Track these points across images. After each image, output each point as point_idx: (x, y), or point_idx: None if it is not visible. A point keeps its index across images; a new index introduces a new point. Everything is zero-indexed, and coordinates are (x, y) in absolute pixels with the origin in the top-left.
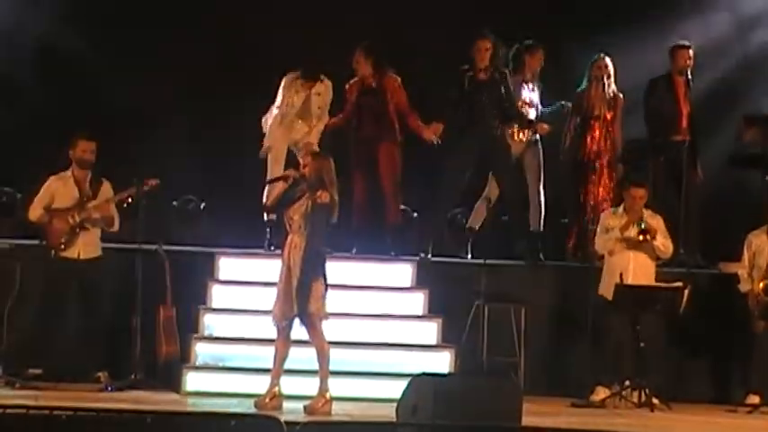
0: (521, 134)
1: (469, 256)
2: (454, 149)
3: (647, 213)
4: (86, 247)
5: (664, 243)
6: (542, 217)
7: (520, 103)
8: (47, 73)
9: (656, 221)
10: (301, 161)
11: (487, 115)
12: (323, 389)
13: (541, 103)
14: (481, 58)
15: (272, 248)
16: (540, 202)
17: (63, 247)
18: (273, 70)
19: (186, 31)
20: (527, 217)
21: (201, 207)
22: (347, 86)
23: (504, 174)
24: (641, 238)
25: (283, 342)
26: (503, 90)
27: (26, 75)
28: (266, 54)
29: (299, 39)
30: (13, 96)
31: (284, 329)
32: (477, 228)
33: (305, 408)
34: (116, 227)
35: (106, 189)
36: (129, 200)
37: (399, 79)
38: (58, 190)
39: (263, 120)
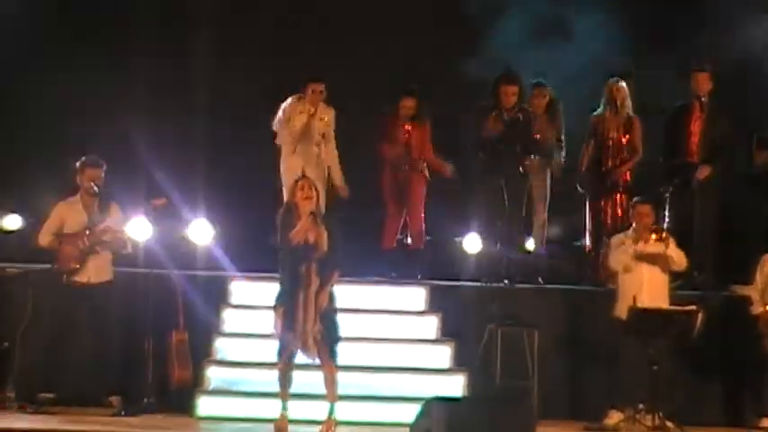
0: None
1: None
2: (481, 188)
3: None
4: (97, 271)
5: (677, 252)
6: (544, 238)
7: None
8: (56, 95)
9: (667, 244)
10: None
11: (511, 152)
12: (332, 413)
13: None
14: (508, 101)
15: None
16: (543, 222)
17: (74, 271)
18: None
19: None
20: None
21: (213, 231)
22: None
23: (515, 201)
24: (656, 237)
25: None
26: (525, 126)
27: (33, 96)
28: (282, 79)
29: (311, 65)
30: (22, 121)
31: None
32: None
33: None
34: (129, 249)
35: (115, 211)
36: (140, 222)
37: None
38: (67, 215)
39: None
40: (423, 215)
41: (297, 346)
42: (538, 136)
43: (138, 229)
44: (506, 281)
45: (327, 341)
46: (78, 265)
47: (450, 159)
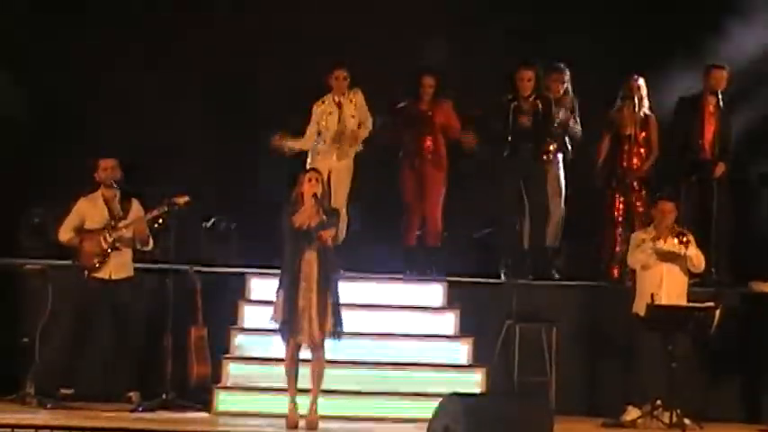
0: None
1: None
2: (499, 177)
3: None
4: (118, 267)
5: (696, 254)
6: (560, 233)
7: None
8: (77, 93)
9: (687, 245)
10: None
11: (529, 141)
12: (316, 405)
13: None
14: (524, 88)
15: None
16: (559, 217)
17: (95, 267)
18: (302, 92)
19: (215, 48)
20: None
21: (232, 227)
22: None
23: (535, 196)
24: (677, 240)
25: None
26: (544, 115)
27: (55, 95)
28: (294, 75)
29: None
30: (44, 117)
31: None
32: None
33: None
34: (150, 245)
35: (136, 208)
36: (161, 218)
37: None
38: (88, 211)
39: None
40: (440, 213)
41: (298, 334)
42: (557, 122)
43: (159, 225)
44: (525, 277)
45: (333, 332)
46: (99, 262)
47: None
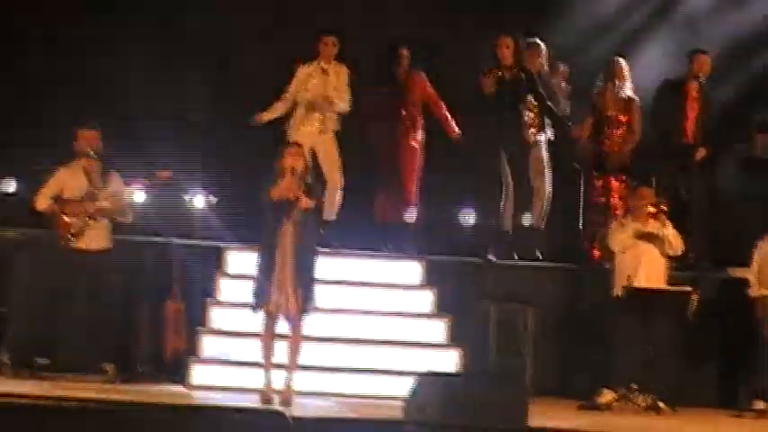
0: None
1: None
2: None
3: (660, 217)
4: (96, 238)
5: (674, 234)
6: (545, 214)
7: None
8: (58, 62)
9: (664, 224)
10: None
11: (513, 122)
12: (290, 382)
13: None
14: (505, 56)
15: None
16: (545, 197)
17: (73, 238)
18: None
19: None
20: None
21: (211, 201)
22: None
23: (520, 174)
24: (653, 210)
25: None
26: (532, 90)
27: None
28: (278, 48)
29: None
30: (23, 87)
31: (275, 321)
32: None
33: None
34: (129, 218)
35: (116, 180)
36: (140, 191)
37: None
38: (68, 182)
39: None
40: (414, 189)
41: (276, 305)
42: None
43: (137, 197)
44: (509, 258)
45: (301, 306)
46: (76, 232)
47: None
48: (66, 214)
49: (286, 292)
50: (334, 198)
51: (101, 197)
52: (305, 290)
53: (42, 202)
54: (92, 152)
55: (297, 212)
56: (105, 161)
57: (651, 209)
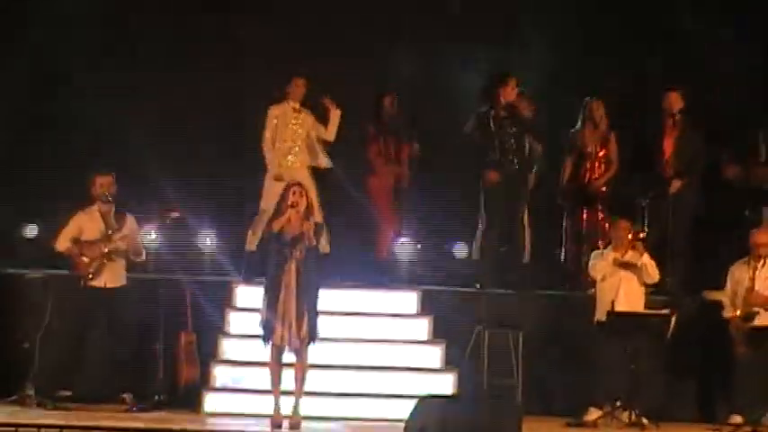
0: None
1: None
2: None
3: (638, 247)
4: (112, 276)
5: (651, 263)
6: (528, 248)
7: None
8: (72, 110)
9: (641, 253)
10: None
11: (508, 151)
12: (298, 408)
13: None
14: (505, 96)
15: (249, 278)
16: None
17: (91, 277)
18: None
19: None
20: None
21: (216, 239)
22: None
23: (515, 208)
24: (631, 237)
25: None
26: (520, 127)
27: (51, 111)
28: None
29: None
30: (41, 133)
31: (282, 351)
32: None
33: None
34: (143, 256)
35: (130, 221)
36: (153, 231)
37: None
38: (85, 224)
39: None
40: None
41: (278, 338)
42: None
43: (151, 237)
44: (504, 288)
45: (306, 337)
46: (95, 271)
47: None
48: (83, 255)
49: (290, 325)
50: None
51: (116, 238)
52: (310, 322)
53: (62, 244)
54: (107, 196)
55: (301, 248)
56: (119, 203)
57: (629, 239)
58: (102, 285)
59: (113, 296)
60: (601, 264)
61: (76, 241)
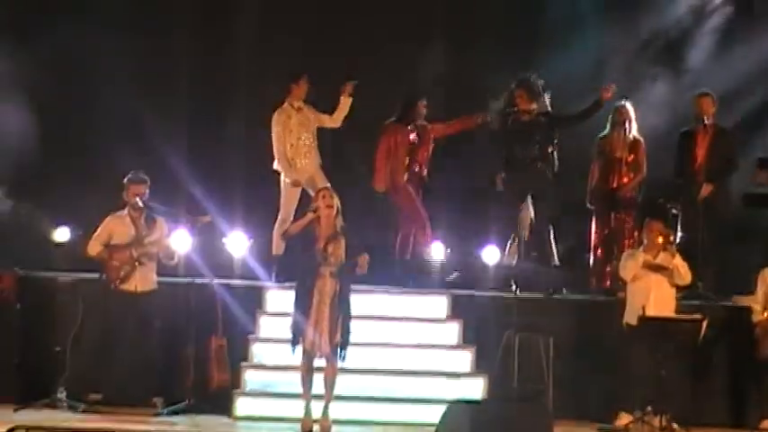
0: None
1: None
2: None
3: (669, 249)
4: (143, 280)
5: (683, 265)
6: (556, 252)
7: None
8: (104, 113)
9: (673, 255)
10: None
11: (528, 154)
12: (327, 412)
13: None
14: (521, 103)
15: (281, 281)
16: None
17: (121, 281)
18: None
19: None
20: (549, 252)
21: (250, 242)
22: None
23: (545, 210)
24: (662, 241)
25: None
26: (542, 131)
27: (80, 113)
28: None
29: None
30: (69, 138)
31: (314, 357)
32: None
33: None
34: (175, 260)
35: (161, 226)
36: (183, 235)
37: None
38: (116, 228)
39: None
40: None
41: (312, 343)
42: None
43: (181, 241)
44: (533, 292)
45: (340, 344)
46: (125, 275)
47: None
48: (114, 259)
49: (322, 331)
50: None
51: (146, 242)
52: (342, 330)
53: (94, 249)
54: (139, 201)
55: (334, 256)
56: (151, 208)
57: (661, 241)
58: (133, 289)
59: (144, 300)
60: (631, 264)
61: (107, 245)
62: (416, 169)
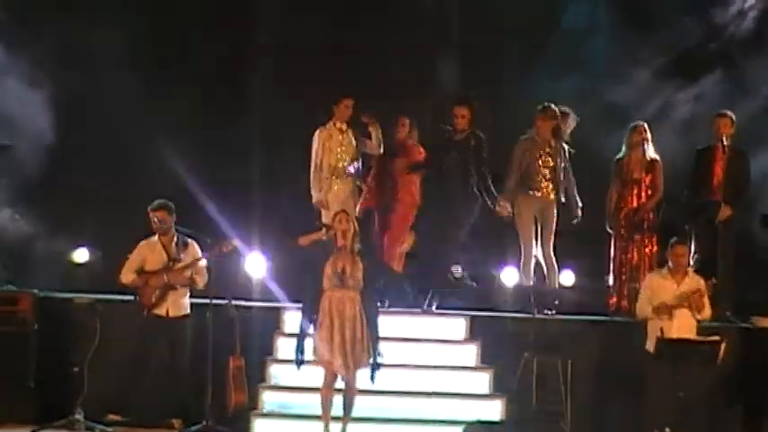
0: (538, 192)
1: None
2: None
3: (691, 274)
4: (175, 305)
5: (707, 304)
6: (557, 275)
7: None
8: (127, 138)
9: (697, 282)
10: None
11: (456, 172)
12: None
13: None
14: (458, 123)
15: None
16: (553, 261)
17: (153, 306)
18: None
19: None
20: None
21: (267, 263)
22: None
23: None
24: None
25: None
26: (476, 153)
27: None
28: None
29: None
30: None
31: (336, 379)
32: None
33: None
34: (204, 284)
35: (192, 250)
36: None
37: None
38: (148, 255)
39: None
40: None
41: (333, 368)
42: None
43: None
44: (543, 311)
45: (372, 367)
46: (157, 301)
47: None
48: (148, 285)
49: (344, 354)
50: None
51: (177, 267)
52: (372, 349)
53: (127, 277)
54: (165, 227)
55: (353, 279)
56: (180, 233)
57: (687, 264)
58: (164, 314)
59: (175, 325)
60: (646, 308)
61: (140, 272)
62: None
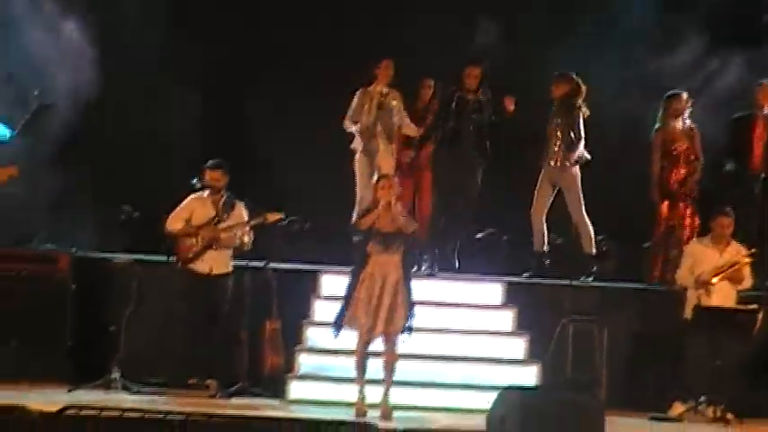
0: (553, 161)
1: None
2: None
3: (733, 243)
4: (217, 263)
5: (746, 274)
6: (593, 240)
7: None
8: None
9: (738, 251)
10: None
11: (469, 134)
12: (387, 397)
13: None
14: (470, 83)
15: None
16: (587, 226)
17: (190, 260)
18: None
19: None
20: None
21: (306, 226)
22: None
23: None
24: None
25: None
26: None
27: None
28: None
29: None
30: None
31: (370, 342)
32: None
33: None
34: (249, 245)
35: (239, 212)
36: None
37: None
38: (197, 209)
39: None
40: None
41: (371, 332)
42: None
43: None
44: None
45: (405, 328)
46: (195, 255)
47: None
48: (190, 237)
49: (381, 316)
50: None
51: (221, 227)
52: (406, 313)
53: (174, 224)
54: (217, 186)
55: (399, 242)
56: (232, 192)
57: (729, 234)
58: (207, 271)
59: (217, 283)
60: (688, 278)
61: (187, 223)
62: None
